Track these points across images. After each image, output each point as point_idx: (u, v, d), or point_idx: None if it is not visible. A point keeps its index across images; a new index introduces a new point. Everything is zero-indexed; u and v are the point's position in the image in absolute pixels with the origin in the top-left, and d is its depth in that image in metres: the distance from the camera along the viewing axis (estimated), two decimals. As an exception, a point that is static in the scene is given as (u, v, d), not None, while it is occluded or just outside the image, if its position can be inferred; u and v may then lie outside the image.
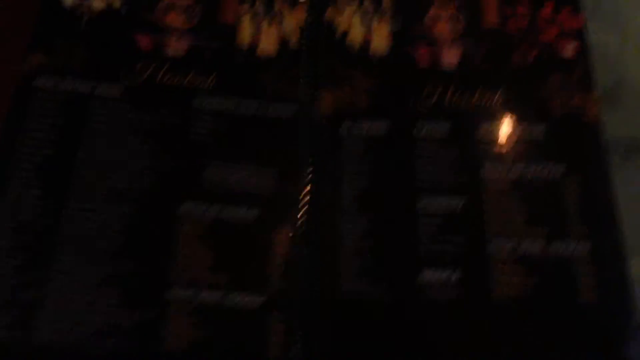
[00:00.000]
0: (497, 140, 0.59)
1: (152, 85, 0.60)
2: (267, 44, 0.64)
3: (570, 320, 0.51)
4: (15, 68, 0.59)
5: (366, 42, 0.64)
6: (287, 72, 0.62)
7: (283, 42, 0.64)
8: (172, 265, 0.53)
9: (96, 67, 0.60)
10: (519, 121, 0.60)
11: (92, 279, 0.51)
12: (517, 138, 0.59)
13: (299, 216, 0.56)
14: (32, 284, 0.51)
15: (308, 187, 0.57)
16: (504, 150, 0.58)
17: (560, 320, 0.51)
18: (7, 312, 0.49)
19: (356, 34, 0.64)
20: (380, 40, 0.64)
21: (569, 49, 0.63)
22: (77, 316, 0.50)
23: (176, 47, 0.62)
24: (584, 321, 0.51)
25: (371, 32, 0.64)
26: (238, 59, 0.63)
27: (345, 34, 0.64)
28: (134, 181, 0.56)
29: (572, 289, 0.52)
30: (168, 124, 0.59)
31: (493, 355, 0.50)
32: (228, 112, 0.60)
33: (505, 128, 0.59)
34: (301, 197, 0.56)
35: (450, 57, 0.63)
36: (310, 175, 0.58)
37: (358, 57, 0.63)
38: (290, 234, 0.55)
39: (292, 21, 0.65)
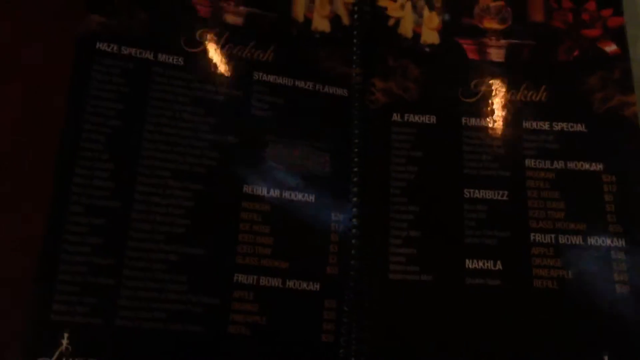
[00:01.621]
0: (540, 135, 0.62)
1: (213, 55, 0.59)
2: (321, 19, 0.64)
3: (605, 312, 0.55)
4: (74, 29, 0.57)
5: (417, 32, 0.66)
6: (341, 50, 0.64)
7: (336, 19, 0.65)
8: (236, 250, 0.55)
9: (156, 31, 0.59)
10: (561, 117, 0.62)
11: (162, 264, 0.52)
12: (559, 133, 0.62)
13: (352, 205, 0.58)
14: (108, 269, 0.51)
15: (359, 175, 0.59)
16: (546, 145, 0.61)
17: (596, 311, 0.55)
18: (88, 297, 0.50)
19: (408, 24, 0.66)
20: (431, 30, 0.66)
21: (610, 47, 0.65)
22: (150, 301, 0.51)
23: (235, 14, 0.62)
24: (617, 313, 0.55)
25: (422, 22, 0.66)
26: (294, 31, 0.64)
27: (397, 23, 0.66)
28: (199, 158, 0.56)
29: (607, 281, 0.56)
30: (230, 95, 0.58)
31: (531, 342, 0.54)
32: (287, 87, 0.61)
33: (548, 123, 0.62)
34: (354, 185, 0.59)
35: (498, 49, 0.65)
36: (360, 162, 0.60)
37: (410, 47, 0.65)
38: (343, 221, 0.57)
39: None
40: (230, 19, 0.62)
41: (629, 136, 0.61)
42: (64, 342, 0.49)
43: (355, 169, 0.60)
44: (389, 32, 0.66)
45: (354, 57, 0.64)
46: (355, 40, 0.64)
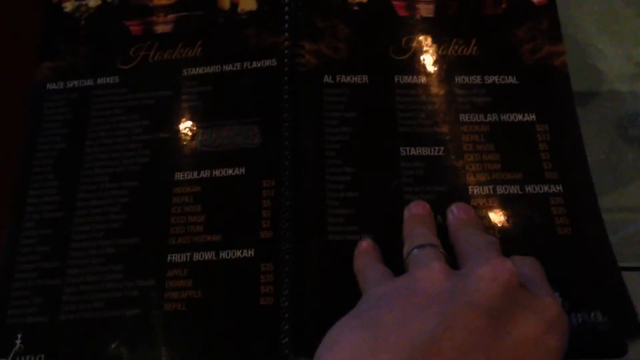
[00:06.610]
0: (473, 89, 0.61)
1: (145, 66, 0.64)
2: (247, 0, 0.66)
3: (548, 254, 0.53)
4: (29, 77, 0.65)
5: (345, -9, 0.65)
6: (268, 23, 0.64)
7: (262, -4, 0.66)
8: (169, 233, 0.57)
9: (97, 60, 0.65)
10: (492, 70, 0.62)
11: (100, 258, 0.56)
12: (491, 87, 0.61)
13: (284, 169, 0.58)
14: (54, 271, 0.56)
15: (290, 139, 0.59)
16: (479, 99, 0.61)
17: (540, 255, 0.53)
18: (37, 298, 0.55)
19: (335, -17, 0.65)
20: (359, -11, 0.65)
21: (537, -4, 0.65)
22: (90, 294, 0.55)
23: (164, 24, 0.66)
24: (561, 253, 0.54)
25: (350, -19, 0.65)
26: (221, 20, 0.66)
27: (323, -17, 0.65)
28: (133, 159, 0.60)
29: (549, 225, 0.55)
30: (161, 97, 0.63)
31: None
32: (215, 74, 0.64)
33: (480, 77, 0.62)
34: (285, 149, 0.59)
35: (427, 5, 0.65)
36: (291, 126, 0.59)
37: (338, 6, 0.64)
38: (276, 187, 0.58)
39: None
40: (160, 29, 0.66)
41: (559, 85, 0.61)
42: (18, 342, 0.54)
43: (286, 133, 0.59)
44: (316, -7, 0.64)
45: (284, 25, 0.64)
46: (285, 8, 0.65)
